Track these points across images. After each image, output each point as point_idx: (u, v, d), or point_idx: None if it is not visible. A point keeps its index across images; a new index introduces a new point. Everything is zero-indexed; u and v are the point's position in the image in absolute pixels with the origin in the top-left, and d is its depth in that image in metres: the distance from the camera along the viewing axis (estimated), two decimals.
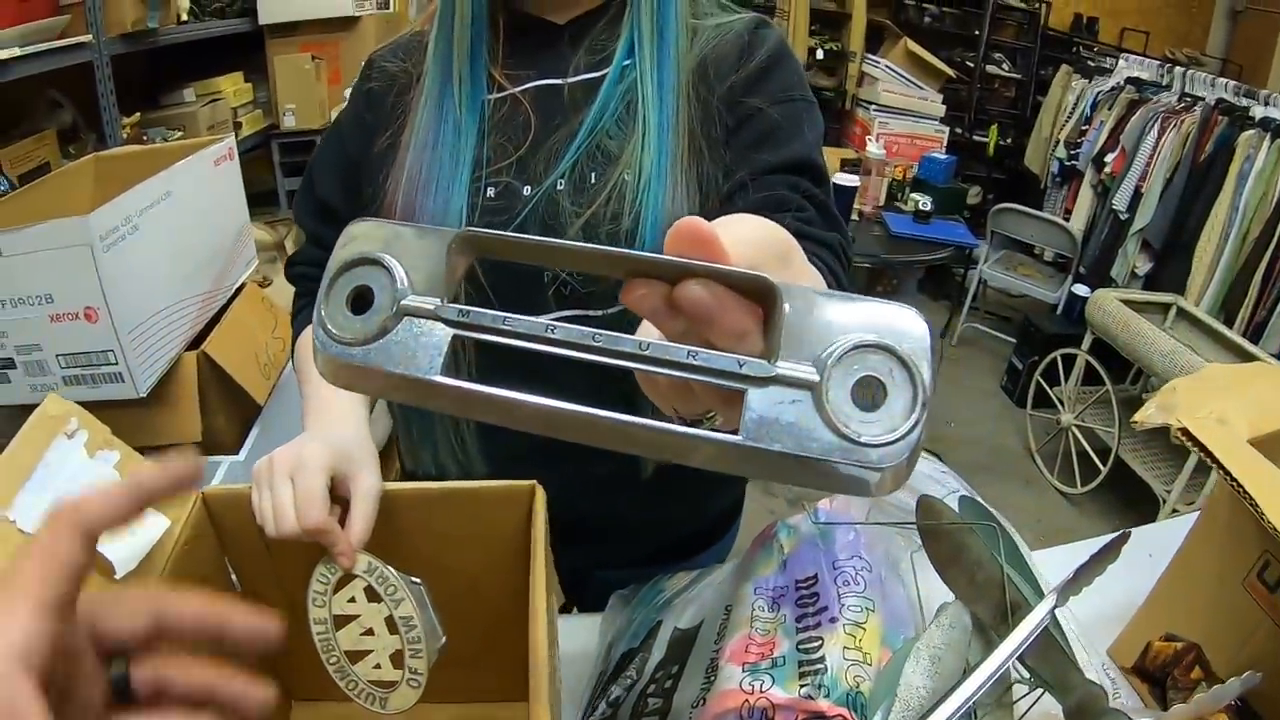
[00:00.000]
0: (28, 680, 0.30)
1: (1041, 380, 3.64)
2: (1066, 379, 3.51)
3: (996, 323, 4.72)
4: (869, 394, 0.29)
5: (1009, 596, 0.64)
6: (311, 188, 0.96)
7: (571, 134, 0.83)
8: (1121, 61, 4.66)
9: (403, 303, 0.33)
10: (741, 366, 0.30)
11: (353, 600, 0.72)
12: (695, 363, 0.30)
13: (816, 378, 0.29)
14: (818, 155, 0.85)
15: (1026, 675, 0.63)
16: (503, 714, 0.89)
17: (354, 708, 0.85)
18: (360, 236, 0.35)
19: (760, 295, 0.32)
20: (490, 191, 0.83)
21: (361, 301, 0.34)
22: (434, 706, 0.86)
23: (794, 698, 0.60)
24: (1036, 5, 5.58)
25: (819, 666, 0.61)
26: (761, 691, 0.61)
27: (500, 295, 0.81)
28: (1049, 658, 0.62)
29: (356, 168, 0.91)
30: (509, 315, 0.32)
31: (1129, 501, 3.19)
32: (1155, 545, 0.93)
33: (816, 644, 0.63)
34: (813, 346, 0.30)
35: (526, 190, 0.83)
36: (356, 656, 0.73)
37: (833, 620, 0.64)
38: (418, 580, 0.72)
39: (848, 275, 0.83)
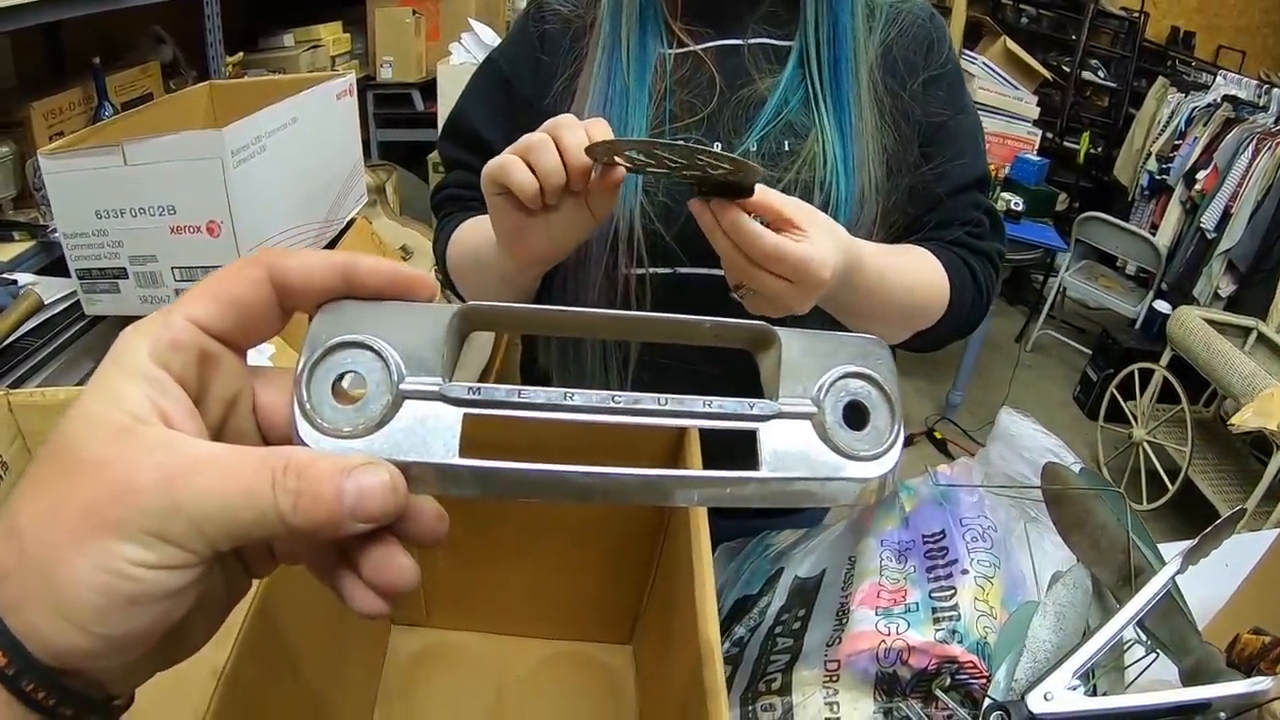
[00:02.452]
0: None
1: (1116, 393, 3.62)
2: (1141, 394, 3.48)
3: (1071, 332, 4.67)
4: (856, 415, 0.34)
5: (1133, 561, 0.67)
6: (463, 119, 0.98)
7: (759, 99, 0.86)
8: (1219, 78, 4.58)
9: (401, 387, 0.32)
10: (752, 408, 0.34)
11: None
12: (712, 410, 0.34)
13: (814, 409, 0.34)
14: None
15: (1144, 638, 0.67)
16: (601, 655, 0.91)
17: (450, 634, 0.89)
18: (339, 317, 0.33)
19: (761, 339, 0.36)
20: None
21: (344, 388, 0.32)
22: (533, 641, 0.90)
23: (929, 641, 0.64)
24: (1135, 14, 5.48)
25: (953, 613, 0.65)
26: (898, 634, 0.65)
27: (690, 254, 0.85)
28: (1169, 620, 0.65)
29: (527, 106, 0.92)
30: (523, 388, 0.32)
31: (1193, 523, 3.16)
32: (1232, 556, 0.95)
33: (949, 593, 0.67)
34: (806, 380, 0.35)
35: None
36: None
37: (964, 572, 0.69)
38: None
39: (998, 279, 0.93)
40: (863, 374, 0.35)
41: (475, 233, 0.90)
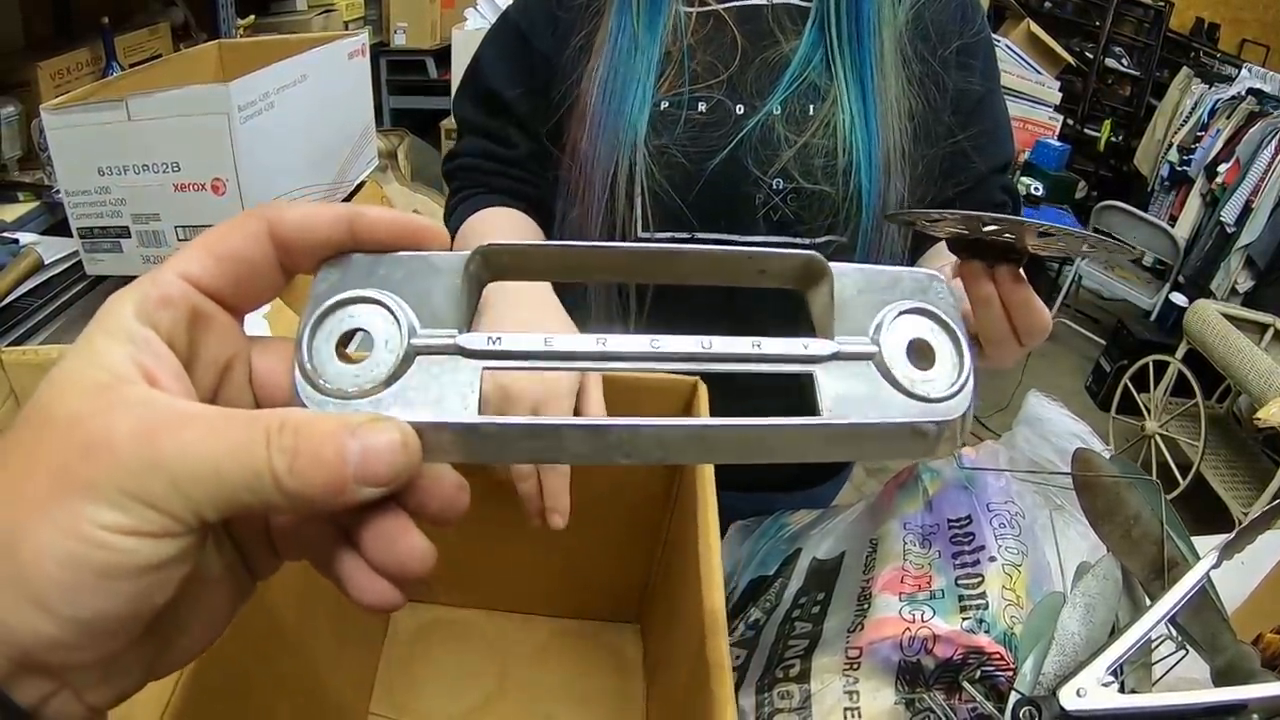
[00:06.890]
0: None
1: (1130, 385, 3.58)
2: (1155, 387, 3.44)
3: (1086, 322, 4.63)
4: (920, 354, 0.31)
5: (1167, 553, 0.64)
6: (478, 79, 0.95)
7: (783, 61, 0.83)
8: (1244, 71, 4.53)
9: (412, 341, 0.29)
10: (806, 348, 0.30)
11: None
12: (761, 352, 0.30)
13: (875, 348, 0.30)
14: None
15: (1175, 634, 0.64)
16: (607, 633, 0.89)
17: (453, 610, 0.88)
18: (344, 272, 0.30)
19: (813, 274, 0.32)
20: (701, 106, 0.83)
21: (351, 348, 0.30)
22: (538, 619, 0.89)
23: (956, 630, 0.61)
24: (1161, 3, 5.41)
25: (980, 602, 0.62)
26: (924, 621, 0.62)
27: (704, 219, 0.83)
28: (1202, 617, 0.62)
29: (545, 62, 0.90)
30: (550, 335, 0.29)
31: (1202, 519, 3.12)
32: (1247, 554, 0.94)
33: (976, 580, 0.64)
34: (861, 319, 0.31)
35: (739, 109, 0.83)
36: None
37: (992, 559, 0.66)
38: None
39: None
40: (924, 310, 0.31)
41: (490, 232, 0.87)
